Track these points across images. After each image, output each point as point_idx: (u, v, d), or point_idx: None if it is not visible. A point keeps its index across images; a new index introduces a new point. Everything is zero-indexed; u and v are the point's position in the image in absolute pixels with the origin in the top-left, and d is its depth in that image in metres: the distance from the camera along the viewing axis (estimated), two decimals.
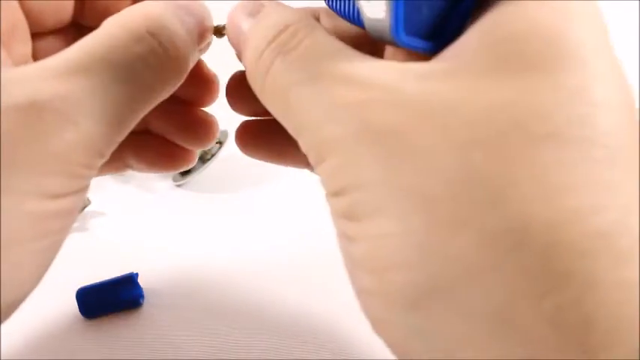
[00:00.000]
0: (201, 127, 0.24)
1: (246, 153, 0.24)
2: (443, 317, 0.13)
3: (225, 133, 0.39)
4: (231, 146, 0.41)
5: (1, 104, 0.16)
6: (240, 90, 0.22)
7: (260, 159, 0.24)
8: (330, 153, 0.15)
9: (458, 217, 0.13)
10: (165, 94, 0.20)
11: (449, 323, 0.13)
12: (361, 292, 0.16)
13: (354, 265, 0.16)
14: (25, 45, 0.22)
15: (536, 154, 0.13)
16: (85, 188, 0.19)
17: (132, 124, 0.19)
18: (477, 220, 0.13)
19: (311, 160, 0.16)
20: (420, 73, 0.14)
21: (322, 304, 0.29)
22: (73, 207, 0.19)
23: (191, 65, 0.21)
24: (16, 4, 0.21)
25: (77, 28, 0.20)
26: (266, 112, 0.18)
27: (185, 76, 0.20)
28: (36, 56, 0.19)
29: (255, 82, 0.18)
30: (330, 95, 0.15)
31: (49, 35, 0.23)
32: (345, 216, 0.15)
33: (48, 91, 0.17)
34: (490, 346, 0.13)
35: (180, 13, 0.19)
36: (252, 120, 0.24)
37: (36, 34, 0.22)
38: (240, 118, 0.24)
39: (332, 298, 0.29)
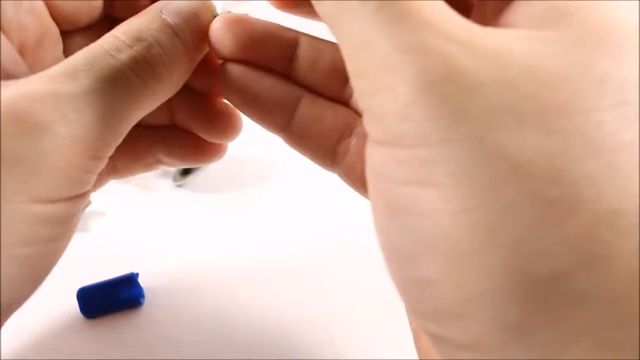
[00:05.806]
0: (222, 119, 0.23)
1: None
2: (555, 308, 0.12)
3: None
4: (231, 146, 0.41)
5: None
6: None
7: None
8: (392, 99, 0.13)
9: (564, 197, 0.12)
10: (163, 94, 0.20)
11: (563, 314, 0.12)
12: (421, 281, 0.13)
13: (416, 249, 0.13)
14: (56, 46, 0.22)
15: None
16: (82, 196, 0.19)
17: (127, 125, 0.19)
18: (587, 202, 0.11)
19: (363, 97, 0.14)
20: (520, 34, 0.13)
21: (322, 304, 0.29)
22: (67, 215, 0.18)
23: (189, 63, 0.20)
24: (44, 11, 0.21)
25: (110, 21, 0.20)
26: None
27: (181, 75, 0.20)
28: (69, 54, 0.19)
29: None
30: (403, 34, 0.13)
31: (82, 32, 0.22)
32: (407, 181, 0.13)
33: (37, 88, 0.17)
34: (612, 334, 0.11)
35: (167, 16, 0.20)
36: None
37: (68, 32, 0.22)
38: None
39: (332, 299, 0.29)
